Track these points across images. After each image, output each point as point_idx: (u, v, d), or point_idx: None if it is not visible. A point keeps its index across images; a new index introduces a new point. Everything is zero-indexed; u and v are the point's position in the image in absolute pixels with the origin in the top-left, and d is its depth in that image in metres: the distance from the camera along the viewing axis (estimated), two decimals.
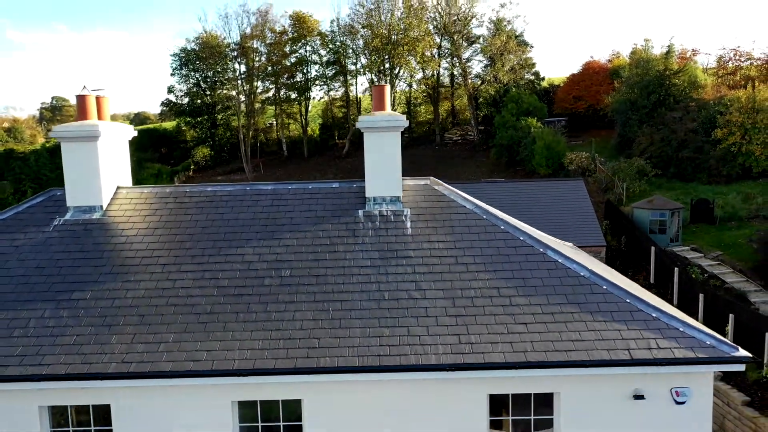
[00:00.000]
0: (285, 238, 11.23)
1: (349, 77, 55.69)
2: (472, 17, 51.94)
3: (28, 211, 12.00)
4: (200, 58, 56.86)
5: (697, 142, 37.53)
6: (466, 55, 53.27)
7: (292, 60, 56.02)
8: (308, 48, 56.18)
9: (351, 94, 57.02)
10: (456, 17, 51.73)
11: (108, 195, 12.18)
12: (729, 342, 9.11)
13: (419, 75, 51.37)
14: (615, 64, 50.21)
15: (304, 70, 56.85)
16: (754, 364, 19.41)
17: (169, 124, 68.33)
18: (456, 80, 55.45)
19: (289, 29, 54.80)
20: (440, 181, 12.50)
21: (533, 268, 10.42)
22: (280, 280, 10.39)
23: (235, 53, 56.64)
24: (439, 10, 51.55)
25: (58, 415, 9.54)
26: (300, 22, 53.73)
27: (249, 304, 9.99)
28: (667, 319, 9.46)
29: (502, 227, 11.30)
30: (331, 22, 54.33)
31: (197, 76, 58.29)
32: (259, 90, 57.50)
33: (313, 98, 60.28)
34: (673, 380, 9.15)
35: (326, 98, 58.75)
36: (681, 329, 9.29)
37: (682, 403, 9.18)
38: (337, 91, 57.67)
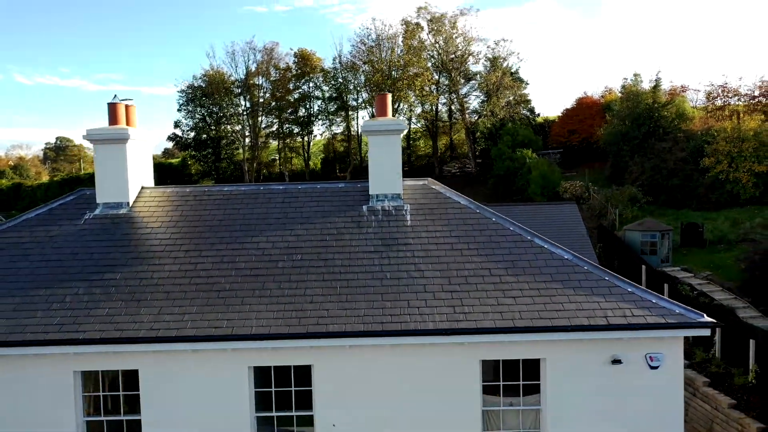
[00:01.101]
0: (296, 229, 12.34)
1: (350, 112, 57.56)
2: (469, 55, 54.06)
3: (60, 207, 13.15)
4: (206, 94, 58.78)
5: (687, 170, 38.91)
6: (463, 91, 55.23)
7: (296, 96, 57.97)
8: (311, 84, 58.19)
9: (352, 129, 58.79)
10: (453, 55, 53.84)
11: (134, 193, 13.34)
12: (696, 311, 10.15)
13: (418, 109, 53.19)
14: (607, 99, 52.04)
15: (307, 105, 58.77)
16: (741, 370, 20.26)
17: (174, 160, 70.00)
18: (454, 115, 57.30)
19: (293, 66, 56.89)
20: (437, 182, 13.69)
21: (521, 253, 11.51)
22: (292, 263, 11.46)
23: (240, 89, 58.61)
24: (438, 48, 53.71)
25: (90, 380, 10.48)
26: (304, 59, 55.88)
27: (264, 282, 11.04)
28: (641, 293, 10.52)
29: (494, 219, 12.44)
30: (333, 59, 56.36)
31: (203, 111, 60.14)
32: (263, 125, 59.29)
33: (314, 136, 62.04)
34: (647, 346, 10.14)
35: (327, 133, 60.53)
36: (653, 301, 10.34)
37: (656, 367, 10.15)
38: (338, 126, 59.50)
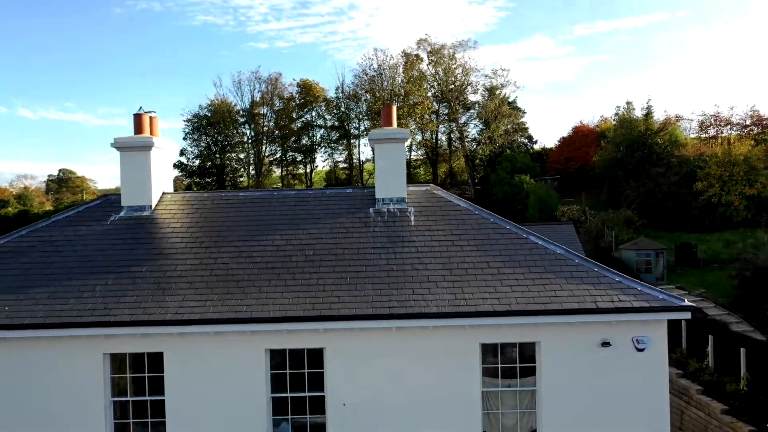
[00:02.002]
0: (308, 228, 13.28)
1: (352, 140, 58.95)
2: (468, 85, 55.70)
3: (87, 210, 14.11)
4: (211, 123, 60.27)
5: (680, 194, 40.01)
6: (462, 119, 56.73)
7: (299, 124, 59.46)
8: (314, 113, 59.73)
9: (354, 157, 60.11)
10: (453, 85, 55.48)
11: (156, 197, 14.31)
12: (677, 296, 11.03)
13: (418, 137, 54.56)
14: (602, 127, 53.51)
15: (310, 134, 60.22)
16: (733, 378, 20.96)
17: (180, 187, 71.20)
18: (453, 143, 58.69)
19: (297, 96, 58.49)
20: (439, 188, 14.68)
21: (517, 248, 12.42)
22: (305, 258, 12.36)
23: (245, 118, 60.11)
24: (437, 78, 55.37)
25: (117, 362, 11.28)
26: (306, 89, 57.51)
27: (279, 274, 11.93)
28: (628, 282, 11.41)
29: (492, 220, 13.39)
30: (336, 88, 57.98)
31: (208, 139, 61.56)
32: (266, 153, 60.62)
33: (316, 167, 63.35)
34: (634, 329, 10.99)
35: (330, 161, 61.86)
36: (639, 288, 11.22)
37: (642, 350, 10.98)
38: (341, 153, 60.83)
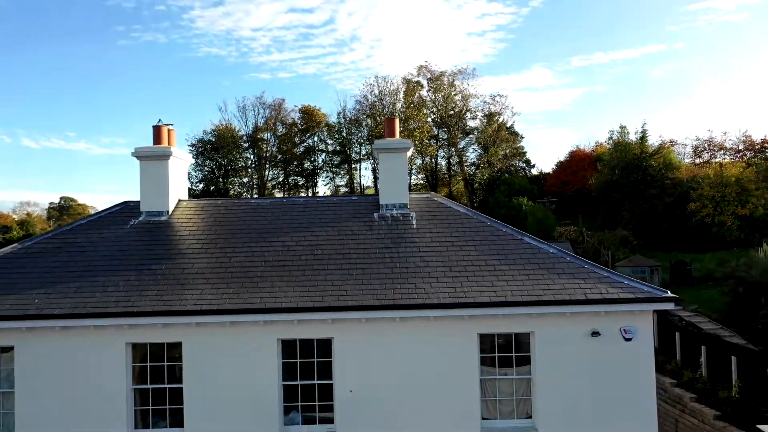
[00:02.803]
0: (316, 231, 14.14)
1: (353, 165, 60.11)
2: (467, 111, 57.07)
3: (108, 215, 14.99)
4: (215, 148, 61.46)
5: (675, 215, 40.91)
6: (461, 144, 57.96)
7: (301, 149, 60.68)
8: (316, 138, 61.03)
9: (355, 181, 61.16)
10: (452, 111, 56.85)
11: (173, 203, 15.21)
12: (661, 289, 11.85)
13: (418, 161, 55.72)
14: (598, 151, 54.70)
15: (312, 158, 61.40)
16: (725, 385, 21.59)
17: None
18: (452, 167, 59.85)
19: (299, 121, 59.84)
20: (438, 195, 15.59)
21: (513, 248, 13.27)
22: (314, 257, 13.20)
23: (248, 143, 61.33)
24: (437, 104, 56.77)
25: (139, 351, 12.04)
26: (309, 114, 58.88)
27: (290, 271, 12.76)
28: (616, 277, 12.24)
29: (489, 223, 14.27)
30: (338, 114, 59.33)
31: (212, 164, 62.70)
32: (269, 177, 61.70)
33: (318, 192, 64.38)
34: (621, 320, 11.78)
35: (331, 185, 62.89)
36: (626, 282, 12.05)
37: (630, 339, 11.75)
38: (342, 178, 61.91)
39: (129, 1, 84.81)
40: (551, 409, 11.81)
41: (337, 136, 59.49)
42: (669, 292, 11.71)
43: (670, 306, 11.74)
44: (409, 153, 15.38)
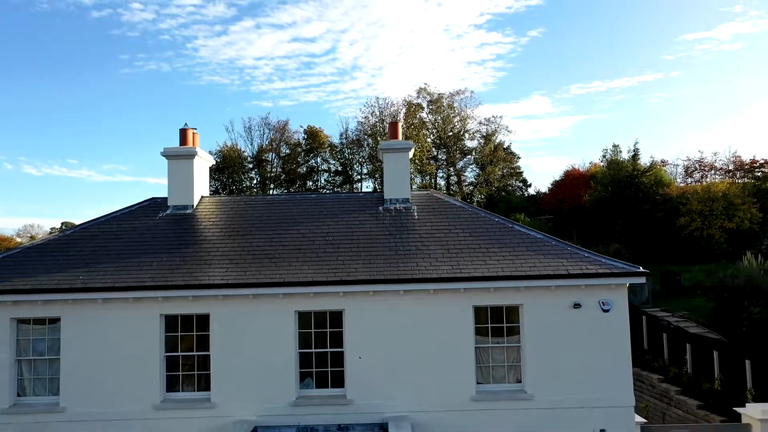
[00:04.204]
0: (327, 221, 15.70)
1: (355, 185, 61.80)
2: (465, 132, 59.05)
3: (138, 209, 16.56)
4: (220, 169, 63.18)
5: (665, 229, 42.47)
6: (460, 164, 59.82)
7: (304, 169, 62.44)
8: (318, 159, 62.82)
9: None
10: (451, 132, 58.82)
11: (196, 199, 16.79)
12: (635, 265, 13.38)
13: (418, 180, 57.37)
14: (592, 171, 56.43)
15: (315, 178, 63.13)
16: (708, 378, 22.94)
17: None
18: (451, 187, 61.57)
19: (303, 142, 61.73)
20: (438, 191, 17.18)
21: (504, 234, 14.82)
22: (326, 242, 14.74)
23: (252, 164, 63.09)
24: (436, 125, 58.78)
25: (169, 323, 13.50)
26: (313, 135, 60.79)
27: (305, 253, 14.29)
28: (595, 257, 13.77)
29: (483, 214, 15.85)
30: (340, 134, 61.24)
31: (216, 184, 64.36)
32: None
33: None
34: (600, 293, 13.27)
35: None
36: (604, 261, 13.59)
37: (607, 311, 13.23)
38: None
39: (134, 30, 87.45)
40: (538, 374, 13.23)
41: (339, 156, 61.30)
42: (641, 268, 13.21)
43: (641, 280, 13.25)
44: (411, 154, 17.00)
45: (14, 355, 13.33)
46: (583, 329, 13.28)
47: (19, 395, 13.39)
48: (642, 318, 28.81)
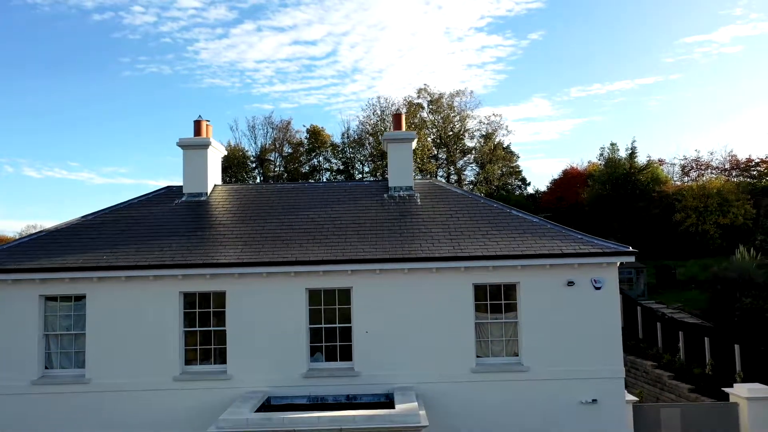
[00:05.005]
0: (335, 207, 16.58)
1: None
2: (465, 131, 59.94)
3: (154, 196, 17.44)
4: (223, 168, 64.05)
5: (661, 225, 43.35)
6: (460, 163, 60.69)
7: (306, 168, 63.29)
8: (321, 158, 63.66)
9: None
10: (451, 132, 59.72)
11: (210, 187, 17.66)
12: (624, 246, 14.25)
13: (418, 178, 58.31)
14: (589, 169, 57.33)
15: (317, 177, 63.98)
16: (699, 363, 23.79)
17: None
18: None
19: (305, 141, 62.62)
20: (440, 180, 18.06)
21: (502, 218, 15.70)
22: (334, 226, 15.61)
23: (255, 163, 63.95)
24: (437, 125, 59.67)
25: (188, 300, 14.36)
26: (315, 135, 61.65)
27: (315, 236, 15.16)
28: (588, 238, 14.65)
29: (482, 201, 16.73)
30: (342, 134, 62.12)
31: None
32: None
33: None
34: (592, 272, 14.14)
35: None
36: (596, 242, 14.46)
37: (599, 288, 14.10)
38: None
39: (135, 33, 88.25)
40: (534, 348, 14.09)
41: (340, 155, 62.14)
42: (630, 248, 14.09)
43: (631, 259, 14.12)
44: (414, 144, 17.87)
45: (42, 330, 14.19)
46: (577, 306, 14.14)
47: (46, 368, 14.24)
48: (637, 309, 29.68)
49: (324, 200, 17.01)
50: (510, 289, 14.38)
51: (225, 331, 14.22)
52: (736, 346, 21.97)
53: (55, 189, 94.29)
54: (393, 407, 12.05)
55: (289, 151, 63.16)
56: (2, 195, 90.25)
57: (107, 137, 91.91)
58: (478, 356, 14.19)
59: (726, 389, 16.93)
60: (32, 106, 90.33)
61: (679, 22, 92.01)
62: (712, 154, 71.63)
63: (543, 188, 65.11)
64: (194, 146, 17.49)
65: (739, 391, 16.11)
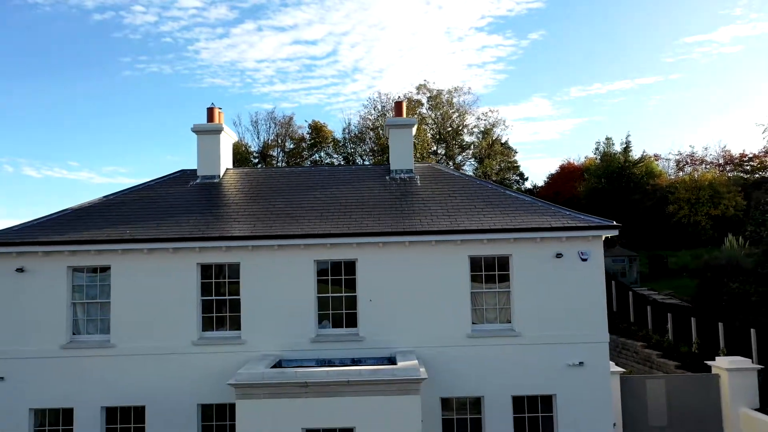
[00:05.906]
0: (340, 188, 17.72)
1: None
2: (464, 127, 61.11)
3: (170, 178, 18.58)
4: None
5: (655, 217, 44.53)
6: (458, 159, 61.83)
7: (308, 163, 64.47)
8: (322, 153, 64.81)
9: None
10: (450, 128, 60.89)
11: (222, 170, 18.81)
12: (609, 220, 15.39)
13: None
14: (586, 164, 58.48)
15: None
16: (686, 342, 24.95)
17: None
18: None
19: (307, 136, 63.75)
20: (439, 164, 19.20)
21: (497, 197, 16.84)
22: (340, 204, 16.75)
23: (257, 159, 65.10)
24: (436, 120, 60.82)
25: (205, 271, 15.49)
26: (317, 130, 62.80)
27: (322, 213, 16.30)
28: (576, 214, 15.80)
29: (478, 182, 17.89)
30: (343, 129, 63.26)
31: None
32: None
33: None
34: (579, 245, 15.28)
35: None
36: (583, 217, 15.61)
37: (586, 260, 15.24)
38: None
39: (135, 33, 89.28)
40: (525, 315, 15.23)
41: (342, 150, 63.27)
42: (614, 222, 15.23)
43: (615, 232, 15.27)
44: (414, 130, 19.00)
45: (70, 298, 15.33)
46: (565, 276, 15.28)
47: (74, 334, 15.38)
48: (629, 294, 30.84)
49: (330, 182, 18.15)
50: (503, 261, 15.51)
51: (239, 299, 15.34)
52: (720, 324, 23.12)
53: (55, 189, 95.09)
54: None
55: (291, 146, 64.28)
56: (2, 195, 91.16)
57: (107, 137, 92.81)
58: (473, 323, 15.32)
59: (709, 362, 18.08)
60: (32, 105, 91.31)
61: (679, 22, 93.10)
62: (706, 149, 72.59)
63: (541, 183, 66.41)
64: (208, 131, 18.63)
65: (721, 363, 17.25)
